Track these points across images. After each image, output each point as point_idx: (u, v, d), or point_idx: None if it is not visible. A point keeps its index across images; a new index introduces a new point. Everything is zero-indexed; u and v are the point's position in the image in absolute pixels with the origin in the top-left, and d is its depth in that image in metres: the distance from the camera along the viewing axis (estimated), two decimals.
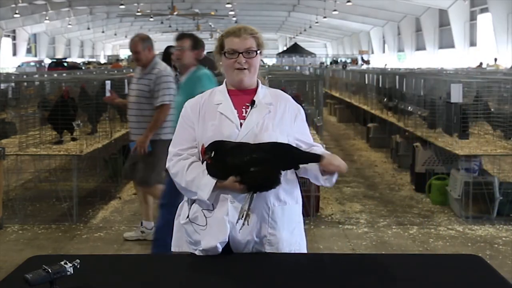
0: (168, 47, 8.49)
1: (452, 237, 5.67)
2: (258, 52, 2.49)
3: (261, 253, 2.43)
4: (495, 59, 22.99)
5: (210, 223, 2.41)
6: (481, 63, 23.57)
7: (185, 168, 2.42)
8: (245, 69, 2.46)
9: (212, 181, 2.35)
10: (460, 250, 5.27)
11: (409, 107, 8.21)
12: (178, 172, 2.44)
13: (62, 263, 2.00)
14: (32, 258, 2.39)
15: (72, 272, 1.99)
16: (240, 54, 2.45)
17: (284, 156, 2.37)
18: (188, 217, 2.48)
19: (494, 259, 4.98)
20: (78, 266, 2.02)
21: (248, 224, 2.35)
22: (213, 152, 2.32)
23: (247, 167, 2.31)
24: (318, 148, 2.51)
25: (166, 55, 8.47)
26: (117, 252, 5.18)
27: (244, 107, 2.47)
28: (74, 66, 29.54)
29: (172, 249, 2.60)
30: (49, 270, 1.94)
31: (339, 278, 2.20)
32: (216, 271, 2.26)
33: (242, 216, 2.33)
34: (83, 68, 30.17)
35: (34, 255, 2.49)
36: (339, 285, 2.15)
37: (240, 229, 2.37)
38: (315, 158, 2.40)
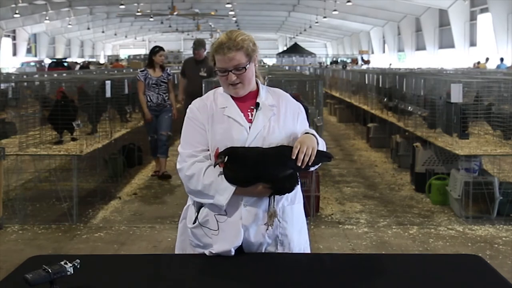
0: (154, 48, 8.18)
1: (452, 237, 5.67)
2: (249, 63, 2.42)
3: (262, 253, 2.44)
4: (487, 59, 23.10)
5: (223, 228, 2.40)
6: (479, 62, 23.66)
7: (203, 171, 2.38)
8: (238, 83, 2.44)
9: (232, 188, 2.33)
10: (460, 250, 5.27)
11: (409, 107, 8.21)
12: (194, 175, 2.39)
13: (62, 263, 2.00)
14: (32, 258, 2.39)
15: (72, 272, 1.99)
16: (230, 72, 2.41)
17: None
18: (197, 220, 2.46)
19: (494, 259, 4.98)
20: (78, 266, 2.02)
21: (275, 222, 2.39)
22: (226, 157, 2.31)
23: (275, 176, 2.34)
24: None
25: (150, 56, 8.12)
26: (117, 252, 5.18)
27: (249, 110, 2.47)
28: (84, 67, 29.38)
29: (176, 252, 2.60)
30: (49, 270, 1.94)
31: (339, 278, 2.20)
32: (217, 271, 2.26)
33: (272, 219, 2.36)
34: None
35: (34, 255, 2.49)
36: (339, 285, 2.15)
37: (267, 229, 2.39)
38: (325, 157, 2.45)
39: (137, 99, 8.93)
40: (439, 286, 2.14)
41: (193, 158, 2.42)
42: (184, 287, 2.15)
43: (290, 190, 2.40)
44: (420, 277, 2.22)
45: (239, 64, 2.39)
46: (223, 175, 2.35)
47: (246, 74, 2.42)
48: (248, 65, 2.42)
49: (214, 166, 2.35)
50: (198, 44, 8.52)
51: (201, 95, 2.66)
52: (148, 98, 7.87)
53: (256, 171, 2.32)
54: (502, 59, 22.22)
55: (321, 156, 2.43)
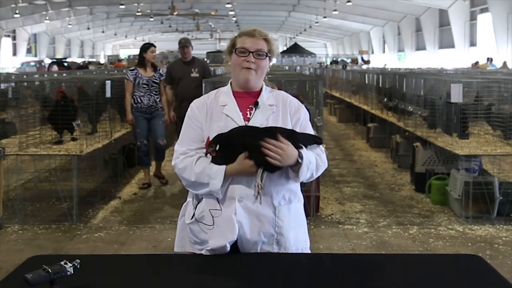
0: (144, 44, 7.58)
1: (452, 237, 5.67)
2: (268, 56, 2.52)
3: (261, 253, 2.44)
4: (487, 59, 23.14)
5: (218, 223, 2.42)
6: (477, 62, 23.68)
7: (194, 162, 2.45)
8: (252, 69, 2.48)
9: (222, 168, 2.38)
10: (460, 250, 5.27)
11: (409, 107, 8.21)
12: (187, 167, 2.45)
13: (62, 263, 2.00)
14: (32, 258, 2.39)
15: (72, 272, 1.99)
16: (251, 53, 2.47)
17: (289, 136, 2.41)
18: (194, 216, 2.49)
19: (494, 259, 4.98)
20: (78, 266, 2.02)
21: (260, 197, 2.40)
22: (217, 146, 2.36)
23: (254, 143, 2.35)
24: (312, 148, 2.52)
25: (140, 53, 7.46)
26: (117, 252, 5.18)
27: (248, 108, 2.51)
28: (84, 67, 29.48)
29: (175, 250, 2.61)
30: (49, 270, 1.94)
31: (339, 278, 2.20)
32: (217, 271, 2.26)
33: (258, 192, 2.39)
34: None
35: (34, 255, 2.49)
36: (339, 285, 2.15)
37: (256, 199, 2.40)
38: (315, 140, 2.50)
39: None
40: (439, 286, 2.14)
41: (184, 155, 2.49)
42: (184, 287, 2.15)
43: (269, 162, 2.37)
44: (420, 277, 2.22)
45: (262, 49, 2.49)
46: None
47: (262, 62, 2.50)
48: (267, 56, 2.52)
49: (206, 155, 2.41)
50: (186, 41, 7.78)
51: (193, 98, 2.69)
52: (138, 99, 7.29)
53: (239, 142, 2.37)
54: (491, 60, 22.26)
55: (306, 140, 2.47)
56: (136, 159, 8.80)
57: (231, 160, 2.38)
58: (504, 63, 21.57)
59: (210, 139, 2.43)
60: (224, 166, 2.38)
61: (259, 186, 2.38)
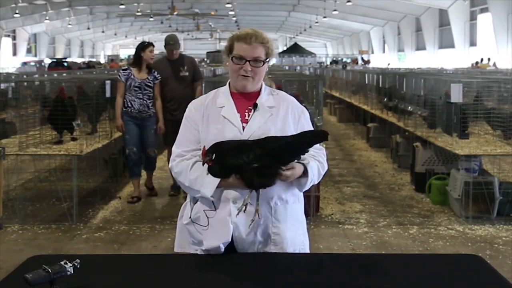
0: (142, 43, 7.02)
1: (452, 237, 5.67)
2: (266, 61, 2.49)
3: (261, 253, 2.44)
4: (487, 59, 23.19)
5: (212, 224, 2.43)
6: (477, 62, 23.73)
7: (189, 167, 2.44)
8: (250, 76, 2.46)
9: (215, 180, 2.37)
10: (460, 250, 5.27)
11: (409, 107, 8.21)
12: (182, 172, 2.45)
13: (62, 263, 2.00)
14: (32, 258, 2.39)
15: (72, 272, 1.99)
16: (247, 62, 2.44)
17: (284, 149, 2.36)
18: (190, 217, 2.50)
19: (494, 259, 4.98)
20: (78, 266, 2.02)
21: (259, 217, 2.39)
22: (213, 155, 2.34)
23: (247, 166, 2.32)
24: (311, 158, 2.47)
25: (137, 52, 6.87)
26: (117, 252, 5.18)
27: (246, 110, 2.49)
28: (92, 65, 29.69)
29: (175, 250, 2.62)
30: (49, 270, 1.95)
31: (339, 278, 2.20)
32: (217, 271, 2.26)
33: (243, 208, 2.36)
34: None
35: (34, 255, 2.49)
36: (339, 285, 2.14)
37: (237, 215, 2.38)
38: (320, 136, 2.43)
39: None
40: (439, 286, 2.14)
41: (180, 157, 2.49)
42: (184, 287, 2.15)
43: (258, 186, 2.36)
44: (420, 277, 2.22)
45: (259, 56, 2.45)
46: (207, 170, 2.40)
47: (260, 69, 2.47)
48: (265, 61, 2.48)
49: (203, 165, 2.39)
50: (175, 42, 7.01)
51: (187, 99, 2.68)
52: (129, 103, 6.67)
53: (231, 161, 2.34)
54: (478, 61, 22.33)
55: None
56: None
57: (227, 171, 2.36)
58: (494, 64, 21.63)
59: (207, 141, 2.41)
60: (217, 180, 2.36)
61: (256, 210, 2.37)
